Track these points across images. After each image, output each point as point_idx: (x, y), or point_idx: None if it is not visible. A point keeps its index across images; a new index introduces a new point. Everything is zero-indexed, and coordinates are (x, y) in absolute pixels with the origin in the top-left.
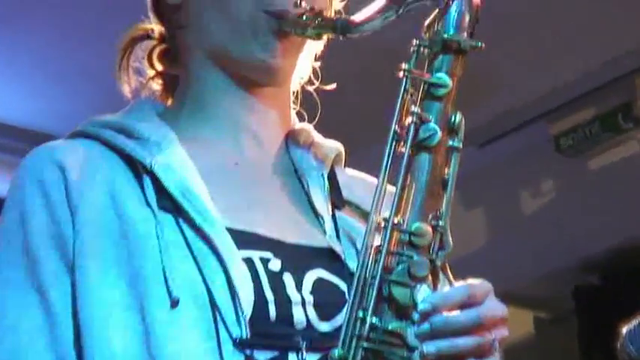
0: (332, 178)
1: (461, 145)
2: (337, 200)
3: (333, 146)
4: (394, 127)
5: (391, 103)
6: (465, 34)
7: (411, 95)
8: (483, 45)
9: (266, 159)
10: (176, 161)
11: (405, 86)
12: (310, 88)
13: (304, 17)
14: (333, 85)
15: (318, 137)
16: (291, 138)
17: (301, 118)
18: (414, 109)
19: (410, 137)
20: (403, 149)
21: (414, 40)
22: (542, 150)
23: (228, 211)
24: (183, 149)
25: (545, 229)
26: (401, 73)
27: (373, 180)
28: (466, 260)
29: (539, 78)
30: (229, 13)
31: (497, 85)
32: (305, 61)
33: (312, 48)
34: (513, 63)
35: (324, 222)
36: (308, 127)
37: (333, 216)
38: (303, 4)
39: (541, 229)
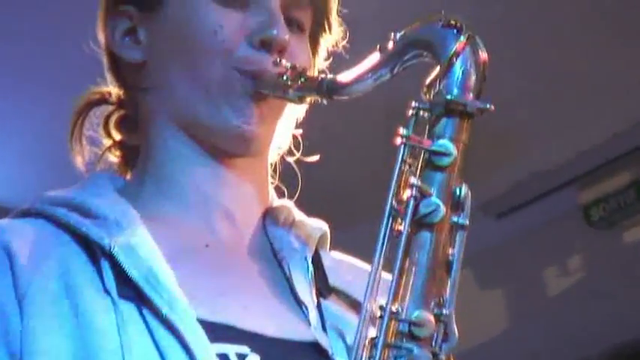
0: (316, 262)
1: (467, 222)
2: (323, 287)
3: (317, 226)
4: (391, 201)
5: (385, 174)
6: (472, 94)
7: (410, 165)
8: (492, 107)
9: (241, 240)
10: (138, 242)
11: (402, 155)
12: (290, 159)
13: (284, 77)
14: (316, 157)
15: (299, 215)
16: (270, 216)
17: (280, 194)
18: (414, 181)
19: (409, 213)
20: (401, 227)
21: (413, 102)
22: (569, 221)
23: (198, 300)
24: (146, 229)
25: (573, 312)
26: (398, 140)
27: (364, 265)
28: (483, 350)
29: (565, 140)
30: (198, 73)
31: (519, 149)
32: (284, 128)
33: (293, 113)
34: (537, 124)
35: (308, 312)
36: (288, 203)
37: (319, 305)
38: (283, 61)
39: (568, 313)
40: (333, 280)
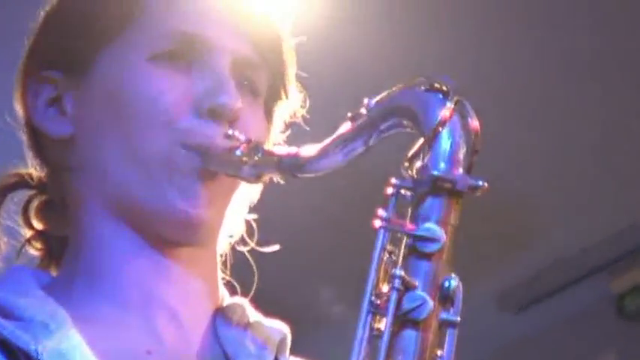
0: None
1: (458, 319)
2: None
3: (277, 327)
4: (369, 295)
5: (362, 262)
6: (461, 169)
7: (391, 253)
8: (486, 185)
9: (188, 345)
10: (69, 348)
11: (382, 241)
12: (243, 249)
13: (238, 152)
14: (276, 247)
15: (256, 316)
16: (221, 316)
17: (232, 291)
18: (396, 271)
19: (391, 309)
20: (382, 325)
21: (393, 179)
22: (601, 313)
23: None
24: (77, 333)
25: None
26: (377, 223)
27: None
28: None
29: (593, 222)
30: (136, 149)
31: (541, 233)
32: (236, 213)
33: (246, 194)
34: (561, 204)
35: None
36: (242, 301)
37: None
38: (236, 133)
39: None
40: None
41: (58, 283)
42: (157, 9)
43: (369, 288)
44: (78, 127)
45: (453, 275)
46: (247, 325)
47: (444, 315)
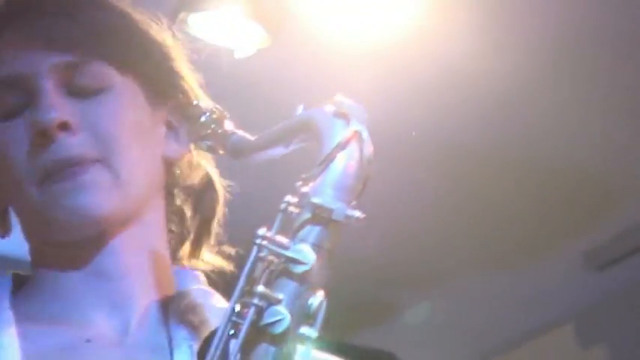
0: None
1: (315, 335)
2: None
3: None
4: (233, 305)
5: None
6: (346, 198)
7: (266, 268)
8: (363, 216)
9: (130, 333)
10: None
11: (255, 256)
12: None
13: (203, 119)
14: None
15: (207, 299)
16: (173, 303)
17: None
18: (260, 287)
19: (248, 320)
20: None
21: (287, 196)
22: None
23: None
24: (14, 331)
25: None
26: (255, 239)
27: None
28: None
29: None
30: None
31: (620, 198)
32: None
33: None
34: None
35: None
36: (199, 286)
37: None
38: (67, 140)
39: None
40: None
41: (29, 285)
42: None
43: (234, 298)
44: None
45: (319, 294)
46: (192, 309)
47: (302, 331)
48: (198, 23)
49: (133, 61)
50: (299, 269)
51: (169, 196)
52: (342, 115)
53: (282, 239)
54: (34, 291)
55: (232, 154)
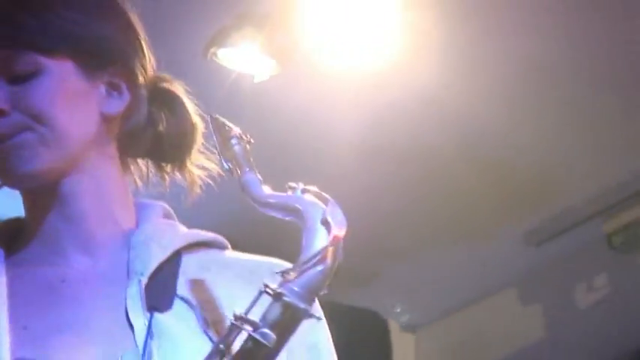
0: (171, 272)
1: None
2: (162, 302)
3: (184, 234)
4: None
5: None
6: (313, 299)
7: (231, 345)
8: (322, 318)
9: (97, 269)
10: None
11: (227, 334)
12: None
13: (233, 141)
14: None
15: (165, 231)
16: (135, 237)
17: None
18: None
19: None
20: None
21: (265, 281)
22: (596, 247)
23: (37, 339)
24: (3, 273)
25: (601, 323)
26: (231, 319)
27: (250, 261)
28: (523, 354)
29: (592, 179)
30: None
31: (554, 188)
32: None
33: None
34: (568, 166)
35: (134, 333)
36: (162, 220)
37: (150, 322)
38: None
39: (596, 323)
40: (182, 291)
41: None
42: None
43: (208, 355)
44: None
45: None
46: (149, 241)
47: None
48: (226, 56)
49: (62, 48)
50: (261, 350)
51: (127, 139)
52: (326, 224)
53: (254, 320)
54: (27, 236)
55: (240, 188)
